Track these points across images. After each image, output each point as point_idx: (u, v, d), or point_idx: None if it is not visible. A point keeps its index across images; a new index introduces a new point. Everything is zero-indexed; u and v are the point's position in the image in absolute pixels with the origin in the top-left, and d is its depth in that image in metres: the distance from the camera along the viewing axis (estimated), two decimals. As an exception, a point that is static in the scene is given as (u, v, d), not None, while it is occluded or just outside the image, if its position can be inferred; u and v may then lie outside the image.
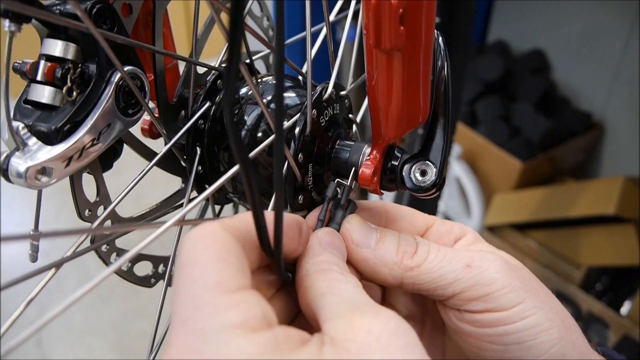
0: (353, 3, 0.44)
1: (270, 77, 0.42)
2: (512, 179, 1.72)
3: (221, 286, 0.24)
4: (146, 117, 0.39)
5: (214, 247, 0.26)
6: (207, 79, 0.40)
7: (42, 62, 0.31)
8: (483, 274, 0.33)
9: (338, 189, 0.37)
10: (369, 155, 0.38)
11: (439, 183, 0.37)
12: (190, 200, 0.40)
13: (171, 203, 0.42)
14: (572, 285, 1.50)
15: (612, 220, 1.47)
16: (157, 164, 0.38)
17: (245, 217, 0.29)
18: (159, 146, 0.39)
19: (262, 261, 0.30)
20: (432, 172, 0.37)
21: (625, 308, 1.47)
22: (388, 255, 0.34)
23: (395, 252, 0.34)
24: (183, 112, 0.40)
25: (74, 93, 0.31)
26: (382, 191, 0.39)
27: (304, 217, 0.36)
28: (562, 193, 1.64)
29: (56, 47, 0.31)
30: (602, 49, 1.84)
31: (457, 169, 1.76)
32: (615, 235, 1.47)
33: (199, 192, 0.41)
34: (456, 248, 0.37)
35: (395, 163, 0.38)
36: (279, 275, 0.31)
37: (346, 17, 0.46)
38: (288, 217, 0.31)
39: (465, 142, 1.80)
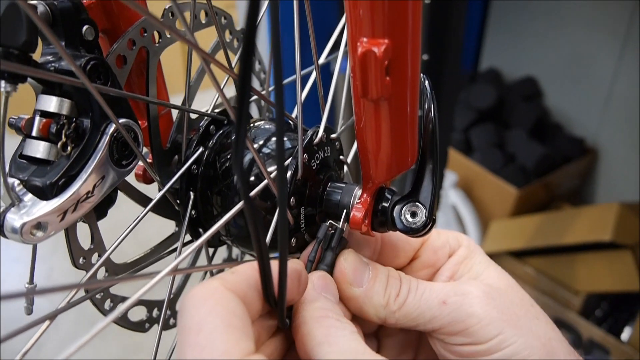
0: (342, 45, 0.45)
1: (263, 122, 0.43)
2: (508, 206, 1.72)
3: (228, 354, 0.25)
4: (140, 163, 0.40)
5: (217, 310, 0.26)
6: (200, 124, 0.41)
7: (37, 118, 0.32)
8: (459, 310, 0.34)
9: (330, 228, 0.38)
10: (359, 198, 0.39)
11: (429, 223, 0.38)
12: (184, 244, 0.40)
13: (165, 247, 0.43)
14: (571, 312, 1.50)
15: (609, 246, 1.47)
16: (151, 210, 0.38)
17: (246, 271, 0.29)
18: (153, 190, 0.40)
19: (263, 309, 0.31)
20: (422, 213, 0.38)
21: (625, 334, 1.46)
22: (376, 296, 0.35)
23: (383, 293, 0.36)
24: (176, 157, 0.41)
25: (69, 147, 0.32)
26: (373, 233, 0.39)
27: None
28: (558, 220, 1.64)
29: (51, 103, 0.32)
30: (592, 75, 1.87)
31: (453, 197, 1.77)
32: (613, 261, 1.47)
33: (193, 236, 0.42)
34: (448, 267, 0.39)
35: (386, 205, 0.38)
36: (280, 323, 0.32)
37: (336, 58, 0.48)
38: (288, 267, 0.31)
39: (460, 169, 1.81)
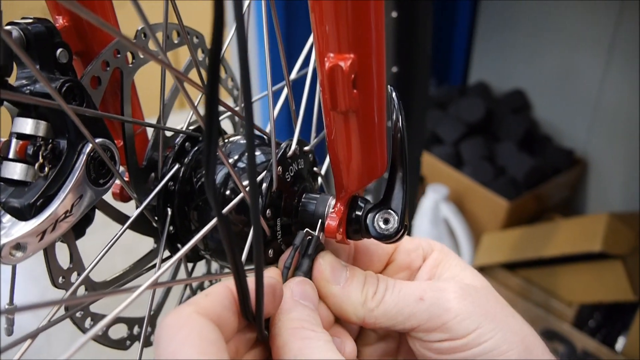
0: (312, 61, 0.47)
1: (237, 137, 0.44)
2: (499, 218, 1.73)
3: None
4: (117, 181, 0.40)
5: (191, 340, 0.26)
6: (176, 141, 0.42)
7: (14, 140, 0.33)
8: (436, 305, 0.35)
9: (307, 237, 0.39)
10: (334, 208, 0.40)
11: (402, 230, 0.39)
12: (163, 260, 0.41)
13: (145, 263, 0.43)
14: (565, 323, 1.50)
15: (599, 256, 1.48)
16: (129, 227, 0.39)
17: (218, 292, 0.30)
18: (130, 208, 0.41)
19: (240, 324, 0.31)
20: (394, 220, 0.38)
21: (619, 344, 1.46)
22: (354, 294, 0.36)
23: (360, 291, 0.36)
24: (153, 174, 0.42)
25: (46, 168, 0.33)
26: (348, 240, 0.40)
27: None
28: (548, 231, 1.65)
29: (27, 125, 0.33)
30: (579, 86, 1.90)
31: (445, 210, 1.78)
32: (604, 272, 1.48)
33: (172, 251, 0.42)
34: (424, 270, 0.40)
35: (359, 213, 0.39)
36: (260, 337, 0.33)
37: (306, 73, 0.49)
38: (264, 281, 0.32)
39: (451, 183, 1.82)
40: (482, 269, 1.70)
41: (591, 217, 1.64)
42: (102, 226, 0.41)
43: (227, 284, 0.30)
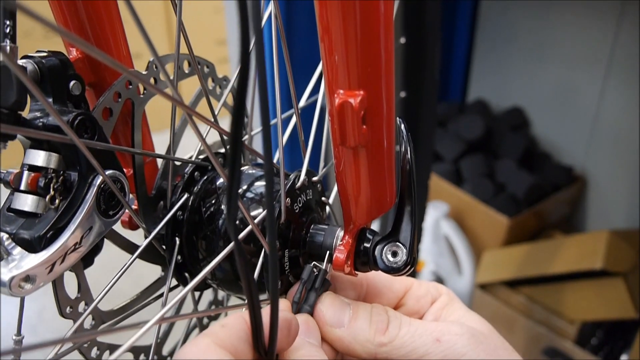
0: (321, 90, 0.47)
1: (247, 167, 0.44)
2: (500, 235, 1.73)
3: None
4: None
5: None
6: (185, 170, 0.42)
7: (26, 172, 0.33)
8: (452, 349, 0.35)
9: (314, 270, 0.39)
10: (342, 240, 0.40)
11: (410, 262, 0.39)
12: (170, 289, 0.41)
13: (152, 292, 0.43)
14: (567, 341, 1.49)
15: (601, 274, 1.47)
16: (138, 256, 0.39)
17: (235, 324, 0.30)
18: (139, 236, 0.41)
19: (254, 357, 0.31)
20: (402, 253, 0.39)
21: (622, 363, 1.46)
22: (361, 333, 0.36)
23: (368, 328, 0.36)
24: (162, 203, 0.42)
25: (57, 200, 0.33)
26: (356, 273, 0.40)
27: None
28: (549, 249, 1.65)
29: (39, 158, 0.33)
30: (578, 103, 1.91)
31: (445, 228, 1.78)
32: (605, 289, 1.47)
33: (179, 280, 0.42)
34: (431, 312, 0.40)
35: (368, 245, 0.40)
36: None
37: (316, 101, 0.49)
38: (279, 317, 0.32)
39: (451, 200, 1.82)
40: (484, 287, 1.70)
41: (592, 234, 1.64)
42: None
43: (243, 315, 0.30)
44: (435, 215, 1.76)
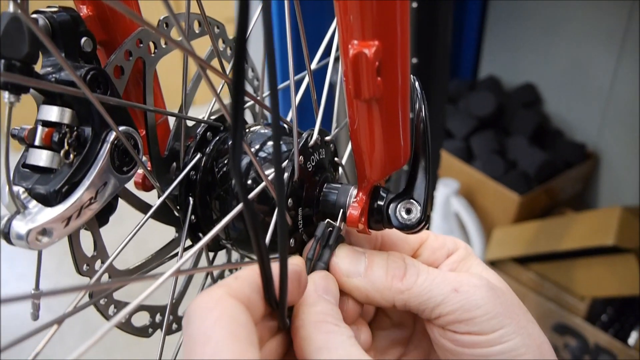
0: (333, 50, 0.47)
1: (259, 127, 0.44)
2: (510, 213, 1.72)
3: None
4: (139, 171, 0.41)
5: (224, 321, 0.27)
6: (197, 131, 0.42)
7: (40, 128, 0.33)
8: (469, 300, 0.35)
9: (329, 227, 0.39)
10: (355, 197, 0.40)
11: (424, 219, 0.38)
12: (185, 249, 0.41)
13: (166, 252, 0.43)
14: (577, 318, 1.49)
15: (612, 250, 1.47)
16: (152, 216, 0.39)
17: (248, 275, 0.30)
18: (153, 198, 0.41)
19: (266, 310, 0.32)
20: (417, 210, 0.38)
21: (632, 339, 1.45)
22: (378, 280, 0.37)
23: (385, 275, 0.37)
24: (175, 164, 0.42)
25: (71, 155, 0.33)
26: (370, 231, 0.40)
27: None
28: (560, 225, 1.64)
29: (52, 113, 0.33)
30: (591, 80, 1.88)
31: (456, 205, 1.77)
32: (616, 266, 1.47)
33: (193, 241, 0.42)
34: (447, 264, 0.40)
35: (381, 203, 0.39)
36: (281, 324, 0.33)
37: (328, 62, 0.49)
38: (289, 268, 0.32)
39: (462, 177, 1.82)
40: (494, 263, 1.70)
41: (603, 210, 1.63)
42: (116, 221, 0.41)
43: (255, 267, 0.30)
44: (445, 193, 1.76)
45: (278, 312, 0.32)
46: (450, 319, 0.35)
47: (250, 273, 0.30)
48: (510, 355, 0.34)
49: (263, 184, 0.38)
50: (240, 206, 0.36)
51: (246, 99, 0.43)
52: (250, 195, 0.38)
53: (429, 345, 0.40)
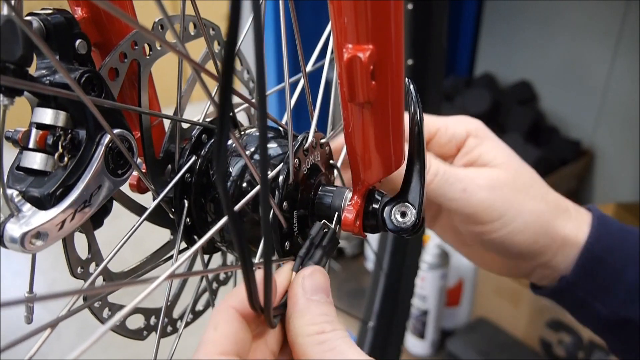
0: (329, 53, 0.47)
1: (253, 130, 0.44)
2: (506, 209, 1.73)
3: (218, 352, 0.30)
4: (134, 173, 0.41)
5: (225, 321, 0.31)
6: (192, 133, 0.42)
7: (34, 130, 0.33)
8: (473, 197, 0.47)
9: (324, 230, 0.38)
10: (350, 200, 0.40)
11: (419, 223, 0.39)
12: (180, 252, 0.41)
13: (161, 255, 0.43)
14: (572, 314, 1.50)
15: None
16: (147, 219, 0.39)
17: (225, 322, 0.32)
18: (148, 200, 0.41)
19: (255, 329, 0.33)
20: (411, 213, 0.38)
21: (626, 335, 1.46)
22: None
23: None
24: (170, 167, 0.42)
25: (65, 158, 0.33)
26: (365, 234, 0.40)
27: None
28: (556, 221, 1.64)
29: (47, 116, 0.33)
30: (586, 77, 1.88)
31: (451, 202, 1.78)
32: (611, 262, 1.47)
33: (188, 243, 0.42)
34: (458, 157, 0.51)
35: (376, 206, 0.39)
36: (268, 325, 0.33)
37: (323, 65, 0.49)
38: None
39: (458, 174, 1.82)
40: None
41: (598, 207, 1.63)
42: (112, 217, 0.41)
43: (230, 304, 0.32)
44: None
45: (265, 315, 0.32)
46: (459, 210, 0.47)
47: (227, 325, 0.32)
48: (512, 234, 0.47)
49: (258, 187, 0.38)
50: (239, 205, 0.36)
51: (240, 101, 0.43)
52: (243, 201, 0.38)
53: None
